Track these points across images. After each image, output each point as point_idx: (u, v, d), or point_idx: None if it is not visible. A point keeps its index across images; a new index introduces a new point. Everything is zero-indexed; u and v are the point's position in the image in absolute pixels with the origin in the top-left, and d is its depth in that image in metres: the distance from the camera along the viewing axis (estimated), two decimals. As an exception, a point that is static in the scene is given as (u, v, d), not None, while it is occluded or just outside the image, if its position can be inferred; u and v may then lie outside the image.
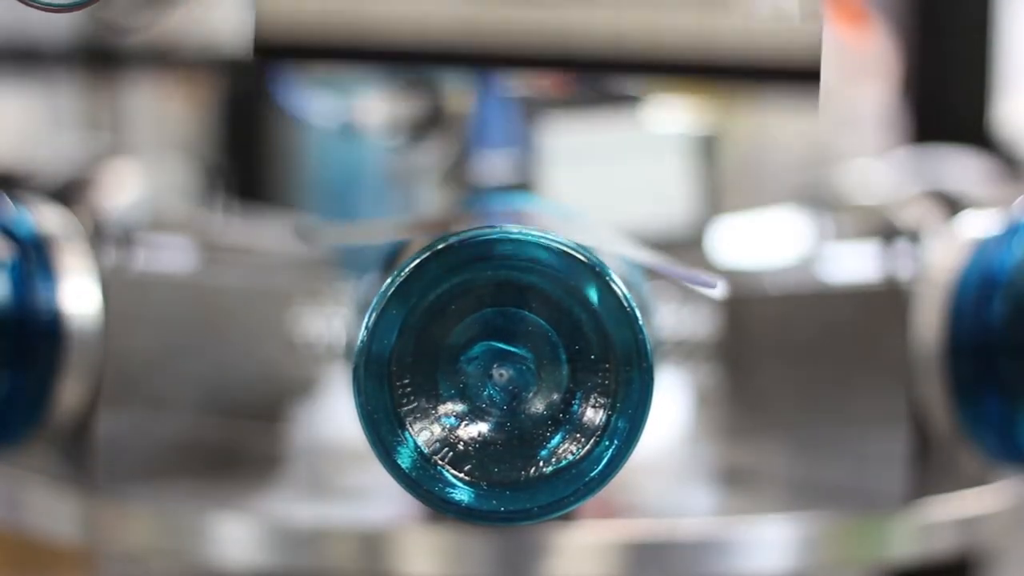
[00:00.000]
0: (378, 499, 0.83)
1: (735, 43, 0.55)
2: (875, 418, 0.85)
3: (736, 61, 0.55)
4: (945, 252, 0.83)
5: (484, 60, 0.56)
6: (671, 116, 0.97)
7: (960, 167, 1.11)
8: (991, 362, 0.79)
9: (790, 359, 0.90)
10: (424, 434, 0.52)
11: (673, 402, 0.96)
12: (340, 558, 0.80)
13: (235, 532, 0.81)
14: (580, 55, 0.55)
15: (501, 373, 0.52)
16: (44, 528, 0.86)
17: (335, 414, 0.93)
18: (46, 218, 0.83)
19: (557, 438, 0.52)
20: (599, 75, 0.57)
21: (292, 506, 0.84)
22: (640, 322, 0.52)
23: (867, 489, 0.84)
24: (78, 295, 0.81)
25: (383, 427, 0.52)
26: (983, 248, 0.81)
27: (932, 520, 0.84)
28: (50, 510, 0.85)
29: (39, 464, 0.85)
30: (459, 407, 0.52)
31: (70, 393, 0.81)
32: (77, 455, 0.84)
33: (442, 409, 0.52)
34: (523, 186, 0.93)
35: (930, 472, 0.84)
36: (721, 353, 0.95)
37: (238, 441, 0.90)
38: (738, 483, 0.90)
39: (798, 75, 0.55)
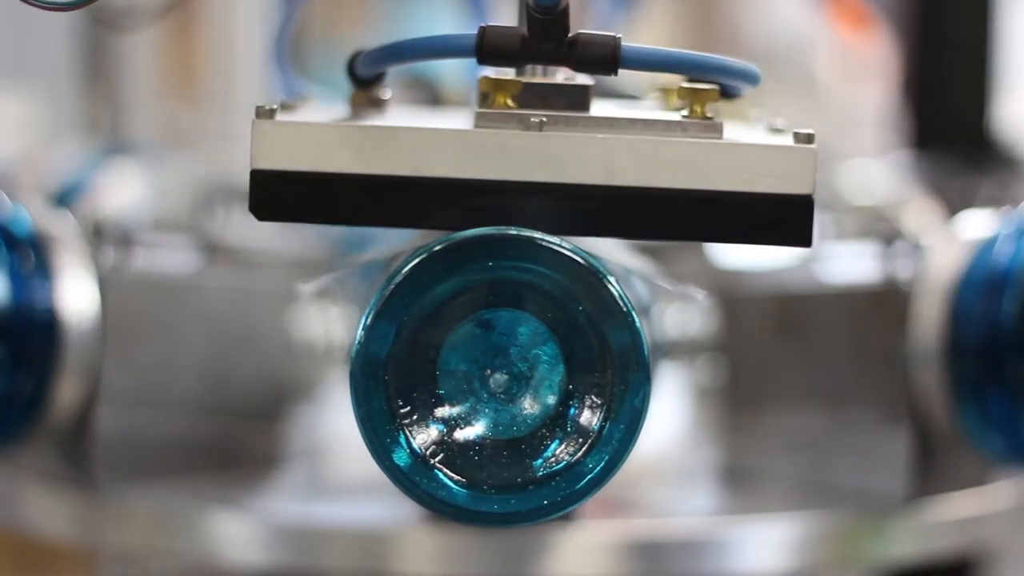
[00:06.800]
0: (378, 499, 0.83)
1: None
2: (875, 418, 0.85)
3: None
4: (945, 252, 0.82)
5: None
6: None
7: (960, 167, 1.11)
8: (998, 361, 0.78)
9: (789, 359, 0.90)
10: (420, 436, 0.52)
11: (673, 402, 0.96)
12: (340, 558, 0.80)
13: (235, 532, 0.81)
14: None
15: (497, 375, 0.52)
16: (44, 528, 0.86)
17: (335, 414, 0.93)
18: (44, 218, 0.83)
19: (553, 441, 0.52)
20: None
21: (292, 506, 0.84)
22: (638, 324, 0.51)
23: (867, 489, 0.84)
24: (76, 295, 0.81)
25: (379, 429, 0.52)
26: (987, 248, 0.81)
27: (933, 520, 0.84)
28: (50, 510, 0.85)
29: (39, 464, 0.85)
30: (455, 409, 0.52)
31: (68, 393, 0.81)
32: (76, 455, 0.84)
33: (438, 411, 0.52)
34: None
35: (930, 472, 0.84)
36: (721, 353, 0.95)
37: (238, 441, 0.90)
38: (738, 483, 0.90)
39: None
